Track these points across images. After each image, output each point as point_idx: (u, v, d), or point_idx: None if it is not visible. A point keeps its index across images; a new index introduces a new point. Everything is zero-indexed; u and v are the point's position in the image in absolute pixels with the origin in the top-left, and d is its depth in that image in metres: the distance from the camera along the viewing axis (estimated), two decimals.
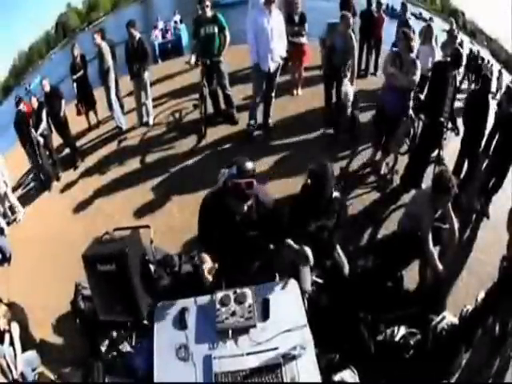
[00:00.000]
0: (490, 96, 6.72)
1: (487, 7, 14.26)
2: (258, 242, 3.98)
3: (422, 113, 6.99)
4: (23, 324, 5.65)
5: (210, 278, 3.65)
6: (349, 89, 7.92)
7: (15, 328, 5.40)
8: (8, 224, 8.19)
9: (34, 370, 5.32)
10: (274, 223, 3.95)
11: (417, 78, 6.51)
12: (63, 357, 5.47)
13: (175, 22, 17.06)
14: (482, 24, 15.93)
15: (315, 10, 13.31)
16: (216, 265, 3.72)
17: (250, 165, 3.52)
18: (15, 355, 5.23)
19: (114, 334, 4.99)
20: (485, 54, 15.04)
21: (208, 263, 3.71)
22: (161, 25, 16.61)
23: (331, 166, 4.40)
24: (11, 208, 8.37)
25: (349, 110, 8.02)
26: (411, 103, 6.81)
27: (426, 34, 8.88)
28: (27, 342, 5.54)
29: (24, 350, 5.37)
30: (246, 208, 3.62)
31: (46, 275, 6.73)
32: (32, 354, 5.46)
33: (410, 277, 5.67)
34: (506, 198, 6.66)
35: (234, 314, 3.48)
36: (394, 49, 7.08)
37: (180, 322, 3.56)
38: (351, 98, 7.94)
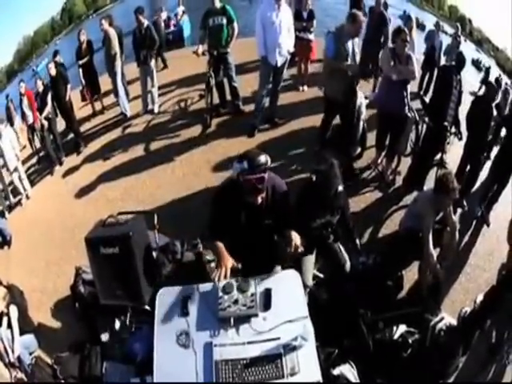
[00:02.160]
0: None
1: (495, 16, 14.11)
2: (271, 231, 3.98)
3: (426, 116, 6.94)
4: (22, 307, 5.60)
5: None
6: (362, 100, 7.42)
7: (13, 311, 5.36)
8: (11, 208, 8.20)
9: (31, 353, 5.30)
10: (288, 211, 3.95)
11: (416, 70, 6.48)
12: (61, 341, 5.42)
13: (178, 14, 17.02)
14: (490, 33, 15.81)
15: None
16: (239, 265, 3.75)
17: (262, 158, 3.47)
18: (13, 338, 5.19)
19: (114, 319, 4.98)
20: (490, 63, 15.01)
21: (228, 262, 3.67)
22: (164, 15, 16.54)
23: (336, 162, 4.37)
24: (15, 189, 8.34)
25: (360, 124, 7.52)
26: (409, 97, 6.72)
27: (406, 26, 8.44)
28: (25, 325, 5.50)
29: (22, 333, 5.33)
30: (260, 200, 3.62)
31: (46, 259, 6.76)
32: (30, 337, 5.44)
33: (410, 277, 5.69)
34: (506, 206, 6.68)
35: (236, 302, 3.46)
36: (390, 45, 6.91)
37: (182, 309, 3.54)
38: (364, 110, 7.45)
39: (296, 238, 3.68)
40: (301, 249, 3.72)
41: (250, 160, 3.43)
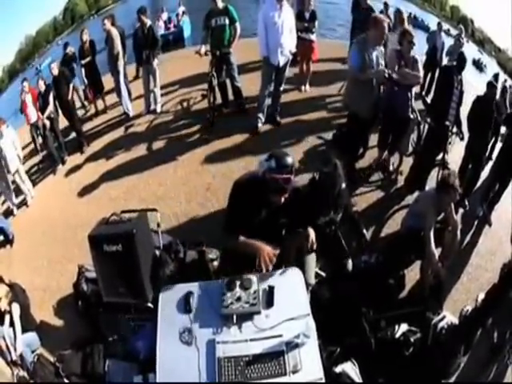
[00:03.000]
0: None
1: (497, 17, 14.08)
2: (283, 230, 3.99)
3: (428, 116, 6.94)
4: (24, 305, 5.62)
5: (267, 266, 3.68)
6: None
7: (16, 309, 5.38)
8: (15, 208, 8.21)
9: (33, 351, 5.29)
10: (305, 210, 3.96)
11: (421, 75, 6.46)
12: (63, 339, 5.42)
13: (178, 14, 17.05)
14: (492, 34, 15.79)
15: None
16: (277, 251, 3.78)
17: (289, 160, 3.54)
18: (15, 336, 5.21)
19: (117, 316, 4.98)
20: (492, 64, 15.02)
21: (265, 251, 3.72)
22: (164, 16, 16.57)
23: (340, 162, 4.39)
24: (18, 189, 8.31)
25: None
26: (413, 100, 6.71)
27: (397, 20, 8.66)
28: (27, 323, 5.52)
29: (24, 331, 5.35)
30: (283, 200, 3.64)
31: (48, 257, 6.76)
32: (32, 335, 5.45)
33: (412, 276, 5.70)
34: (508, 206, 6.73)
35: (239, 299, 3.47)
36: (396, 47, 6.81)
37: (184, 306, 3.55)
38: None
39: (313, 234, 3.81)
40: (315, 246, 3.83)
41: (278, 159, 3.49)
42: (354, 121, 6.68)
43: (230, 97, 9.28)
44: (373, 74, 6.15)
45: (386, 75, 6.01)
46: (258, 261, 3.70)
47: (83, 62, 9.91)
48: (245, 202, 3.79)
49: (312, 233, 3.84)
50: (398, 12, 8.82)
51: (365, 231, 5.03)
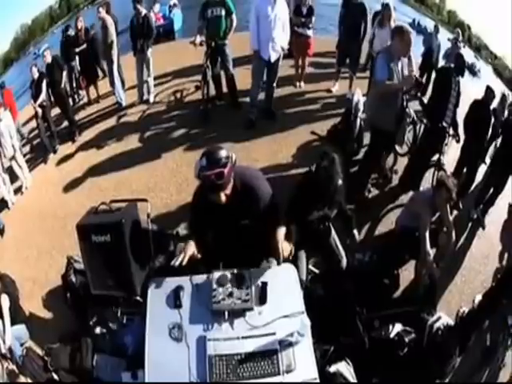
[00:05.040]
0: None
1: (495, 23, 14.03)
2: (251, 229, 3.79)
3: (424, 116, 6.90)
4: (13, 297, 5.52)
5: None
6: (360, 98, 7.37)
7: (5, 300, 5.28)
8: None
9: (22, 344, 5.22)
10: (266, 207, 3.71)
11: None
12: (52, 332, 5.36)
13: (170, 6, 16.97)
14: (488, 40, 15.75)
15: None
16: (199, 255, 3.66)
17: (221, 153, 3.33)
18: (4, 329, 5.12)
19: (105, 309, 4.91)
20: (487, 71, 15.05)
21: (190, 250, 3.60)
22: (156, 8, 16.48)
23: (337, 155, 4.30)
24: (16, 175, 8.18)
25: (358, 121, 7.41)
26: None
27: (385, 15, 8.42)
28: (16, 315, 5.43)
29: (13, 323, 5.26)
30: (223, 197, 3.40)
31: (38, 248, 6.70)
32: (21, 328, 5.37)
33: (406, 276, 5.70)
34: (502, 209, 6.77)
35: (230, 295, 3.40)
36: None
37: (174, 301, 3.47)
38: (361, 107, 7.30)
39: (283, 246, 3.61)
40: (290, 252, 3.72)
41: (208, 156, 3.29)
42: (379, 136, 6.27)
43: (224, 89, 9.19)
44: (401, 83, 5.77)
45: (414, 80, 5.76)
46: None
47: (77, 49, 9.77)
48: (200, 208, 3.72)
49: (282, 246, 3.62)
50: (387, 6, 8.50)
51: (355, 231, 4.93)
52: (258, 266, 3.85)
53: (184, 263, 3.48)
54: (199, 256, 3.68)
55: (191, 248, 3.59)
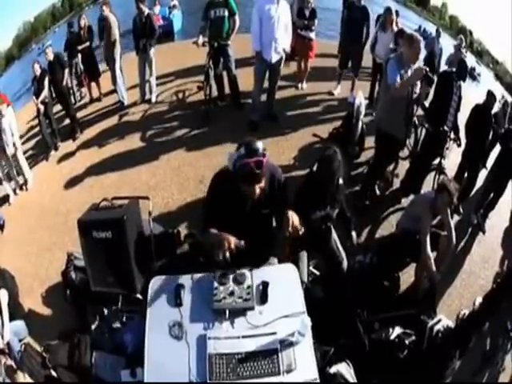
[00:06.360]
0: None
1: (496, 29, 14.05)
2: (268, 221, 3.83)
3: (425, 120, 6.92)
4: (13, 292, 5.53)
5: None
6: (362, 101, 7.47)
7: (4, 296, 5.28)
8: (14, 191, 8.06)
9: (20, 340, 5.19)
10: (287, 203, 3.74)
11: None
12: (51, 328, 5.36)
13: (170, 8, 16.99)
14: (490, 45, 15.76)
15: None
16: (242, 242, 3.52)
17: (259, 144, 3.32)
18: (3, 324, 5.11)
19: (105, 307, 4.91)
20: (489, 76, 15.09)
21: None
22: (157, 9, 16.49)
23: (339, 154, 4.30)
24: (17, 173, 8.15)
25: (359, 124, 7.48)
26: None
27: (387, 19, 8.46)
28: (15, 311, 5.43)
29: (12, 319, 5.24)
30: (258, 191, 3.38)
31: (38, 244, 6.69)
32: (20, 323, 5.35)
33: (406, 279, 5.70)
34: (502, 214, 6.87)
35: (232, 294, 3.39)
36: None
37: (175, 299, 3.45)
38: (363, 110, 7.46)
39: (294, 216, 3.46)
40: (301, 230, 3.54)
41: (247, 145, 3.27)
42: (387, 143, 6.24)
43: (226, 90, 9.21)
44: (412, 77, 5.58)
45: (424, 72, 5.63)
46: (215, 250, 3.46)
47: (80, 47, 9.76)
48: (220, 196, 3.64)
49: (294, 215, 3.48)
50: (388, 10, 8.55)
51: (354, 233, 4.93)
52: (260, 262, 3.82)
53: (227, 257, 3.41)
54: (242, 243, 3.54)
55: (228, 240, 3.46)
